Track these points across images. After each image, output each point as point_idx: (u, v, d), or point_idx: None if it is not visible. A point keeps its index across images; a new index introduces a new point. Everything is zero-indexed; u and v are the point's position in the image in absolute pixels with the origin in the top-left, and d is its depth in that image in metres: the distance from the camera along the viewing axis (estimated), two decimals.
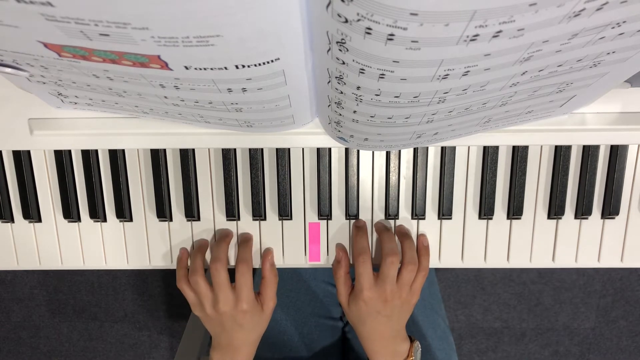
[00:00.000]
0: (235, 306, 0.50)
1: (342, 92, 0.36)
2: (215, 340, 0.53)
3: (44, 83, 0.42)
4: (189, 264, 0.55)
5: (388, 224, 0.55)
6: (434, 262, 0.55)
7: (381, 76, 0.31)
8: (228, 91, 0.36)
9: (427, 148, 0.53)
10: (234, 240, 0.55)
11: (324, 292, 0.71)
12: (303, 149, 0.53)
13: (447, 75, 0.30)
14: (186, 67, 0.32)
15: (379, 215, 0.55)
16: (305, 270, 0.71)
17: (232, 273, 0.52)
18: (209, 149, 0.53)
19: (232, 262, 0.55)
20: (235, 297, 0.50)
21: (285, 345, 0.67)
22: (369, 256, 0.50)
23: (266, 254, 0.55)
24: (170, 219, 0.55)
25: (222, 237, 0.54)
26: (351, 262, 0.55)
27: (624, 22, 0.28)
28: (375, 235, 0.55)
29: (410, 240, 0.52)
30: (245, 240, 0.54)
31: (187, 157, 0.53)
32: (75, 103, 0.47)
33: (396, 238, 0.54)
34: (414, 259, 0.51)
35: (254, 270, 0.54)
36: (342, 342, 0.72)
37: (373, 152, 0.53)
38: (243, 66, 0.32)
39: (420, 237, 0.54)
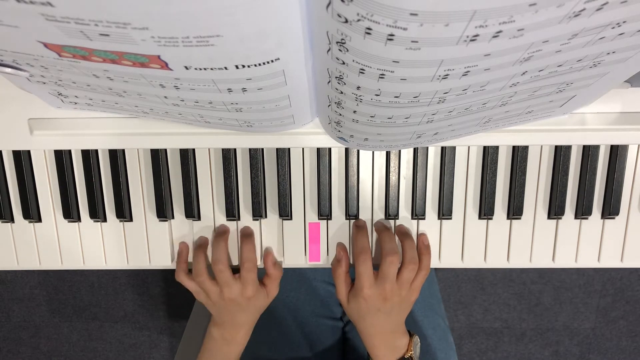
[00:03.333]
0: (241, 294, 0.52)
1: (342, 92, 0.36)
2: (216, 317, 0.55)
3: (44, 83, 0.42)
4: (189, 257, 0.55)
5: (388, 224, 0.55)
6: (434, 262, 0.55)
7: (381, 76, 0.31)
8: (228, 91, 0.36)
9: (427, 148, 0.53)
10: (233, 236, 0.55)
11: (324, 292, 0.71)
12: (303, 149, 0.53)
13: (447, 75, 0.30)
14: (186, 67, 0.32)
15: (379, 215, 0.55)
16: (305, 270, 0.71)
17: (234, 271, 0.53)
18: (209, 149, 0.53)
19: (233, 260, 0.55)
20: (241, 286, 0.52)
21: (285, 345, 0.67)
22: (369, 255, 0.51)
23: (266, 253, 0.55)
24: (171, 219, 0.55)
25: (219, 234, 0.54)
26: (351, 261, 0.55)
27: (624, 22, 0.28)
28: (375, 234, 0.55)
29: (410, 239, 0.53)
30: (248, 237, 0.54)
31: (187, 157, 0.53)
32: (75, 103, 0.47)
33: (396, 237, 0.54)
34: (414, 258, 0.51)
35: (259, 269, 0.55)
36: (343, 342, 0.72)
37: (373, 152, 0.53)
38: (243, 66, 0.32)
39: (421, 236, 0.55)
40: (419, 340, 0.56)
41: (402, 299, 0.51)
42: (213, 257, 0.52)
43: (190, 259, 0.55)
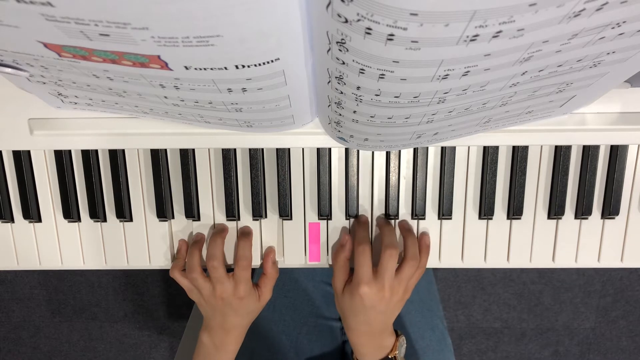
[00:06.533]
0: (233, 293, 0.52)
1: (342, 92, 0.36)
2: (206, 322, 0.55)
3: (44, 83, 0.42)
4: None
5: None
6: (434, 262, 0.55)
7: (381, 76, 0.31)
8: (228, 91, 0.36)
9: (427, 148, 0.53)
10: (232, 236, 0.55)
11: (322, 293, 0.71)
12: (303, 149, 0.53)
13: (447, 75, 0.30)
14: (186, 67, 0.32)
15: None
16: (304, 270, 0.71)
17: (229, 271, 0.53)
18: (209, 149, 0.53)
19: (229, 259, 0.55)
20: (234, 284, 0.52)
21: (284, 345, 0.67)
22: (369, 247, 0.50)
23: (268, 251, 0.55)
24: (171, 219, 0.55)
25: (217, 232, 0.54)
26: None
27: (624, 22, 0.28)
28: (376, 232, 0.55)
29: (413, 235, 0.52)
30: (245, 235, 0.54)
31: (187, 157, 0.53)
32: (75, 103, 0.47)
33: (398, 232, 0.54)
34: (416, 254, 0.51)
35: (252, 270, 0.54)
36: (342, 344, 0.72)
37: (373, 152, 0.53)
38: (243, 66, 0.32)
39: (424, 235, 0.54)
40: (405, 340, 0.55)
41: (399, 299, 0.51)
42: (208, 252, 0.52)
43: None
